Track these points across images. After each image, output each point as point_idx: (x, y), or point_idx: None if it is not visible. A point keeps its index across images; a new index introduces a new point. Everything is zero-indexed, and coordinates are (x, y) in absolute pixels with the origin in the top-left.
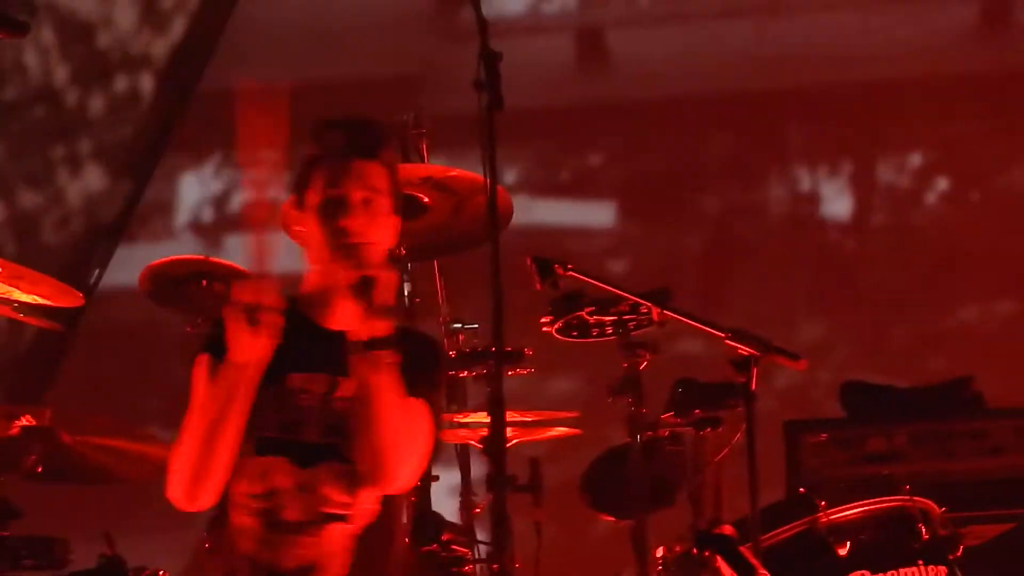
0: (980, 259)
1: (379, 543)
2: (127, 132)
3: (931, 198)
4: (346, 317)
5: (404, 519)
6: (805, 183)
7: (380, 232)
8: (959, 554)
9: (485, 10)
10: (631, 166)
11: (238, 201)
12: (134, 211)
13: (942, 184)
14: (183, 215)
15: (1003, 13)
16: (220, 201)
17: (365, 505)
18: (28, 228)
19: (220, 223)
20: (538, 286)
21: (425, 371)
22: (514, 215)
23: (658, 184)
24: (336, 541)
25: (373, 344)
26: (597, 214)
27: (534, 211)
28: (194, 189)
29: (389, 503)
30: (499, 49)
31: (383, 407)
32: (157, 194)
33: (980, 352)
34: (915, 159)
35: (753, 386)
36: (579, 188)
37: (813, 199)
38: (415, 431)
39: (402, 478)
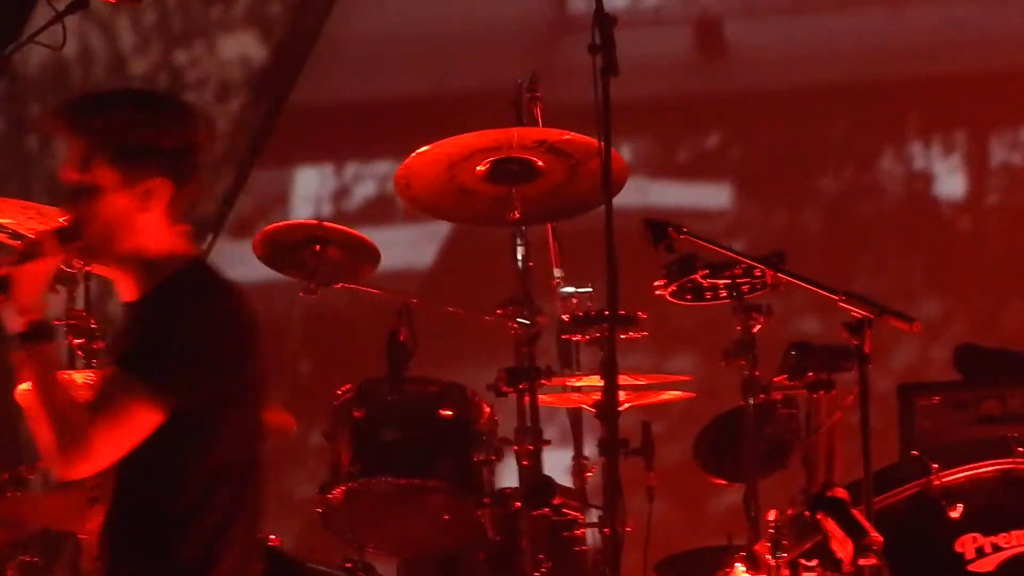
0: None
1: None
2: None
3: None
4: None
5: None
6: (920, 163)
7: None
8: None
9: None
10: (748, 150)
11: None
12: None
13: None
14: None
15: None
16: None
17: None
18: None
19: None
20: (653, 249)
21: (145, 344)
22: (632, 197)
23: (775, 166)
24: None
25: (24, 336)
26: (715, 196)
27: (651, 193)
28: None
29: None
30: (620, 40)
31: (37, 397)
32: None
33: None
34: None
35: (867, 348)
36: (696, 170)
37: (927, 178)
38: (83, 414)
39: (87, 458)
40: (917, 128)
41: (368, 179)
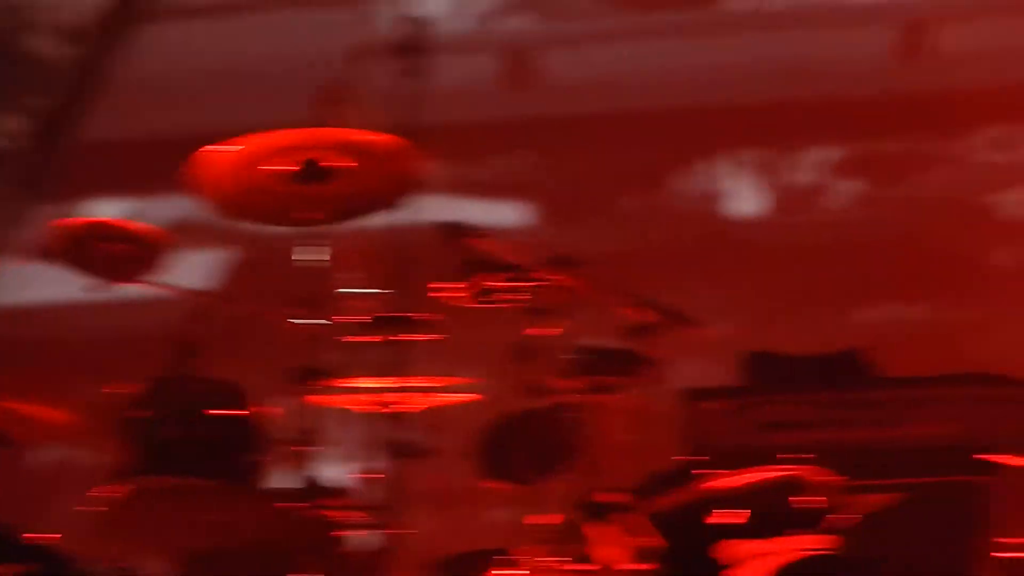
0: (880, 252)
1: None
2: None
3: (834, 194)
4: None
5: None
6: (711, 183)
7: None
8: (849, 523)
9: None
10: (550, 172)
11: None
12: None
13: (844, 184)
14: None
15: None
16: None
17: None
18: None
19: None
20: (445, 252)
21: None
22: (435, 214)
23: (577, 188)
24: None
25: None
26: (517, 215)
27: (454, 210)
28: None
29: None
30: (431, 68)
31: None
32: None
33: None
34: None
35: (652, 353)
36: (500, 191)
37: (716, 197)
38: None
39: None
40: (709, 151)
41: (161, 213)
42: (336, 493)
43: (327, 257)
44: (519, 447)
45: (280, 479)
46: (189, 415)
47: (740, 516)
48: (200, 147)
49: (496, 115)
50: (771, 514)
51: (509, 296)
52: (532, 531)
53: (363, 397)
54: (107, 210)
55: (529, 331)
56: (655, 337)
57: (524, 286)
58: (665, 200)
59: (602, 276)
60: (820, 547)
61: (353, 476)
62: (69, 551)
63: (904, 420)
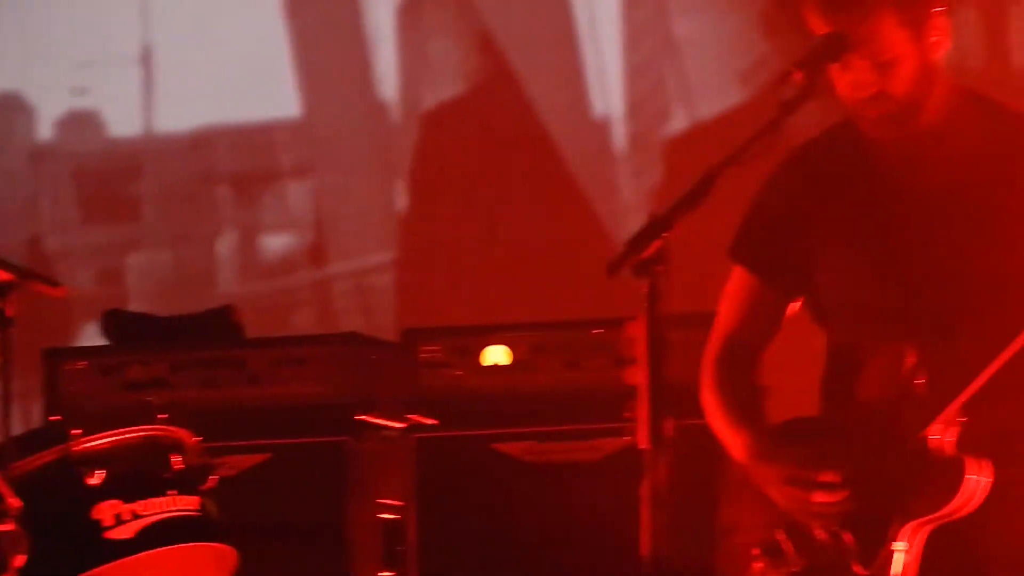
0: None
1: None
2: None
3: None
4: None
5: None
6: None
7: None
8: (212, 484)
9: None
10: None
11: None
12: None
13: None
14: None
15: None
16: None
17: None
18: None
19: None
20: None
21: None
22: None
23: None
24: None
25: None
26: None
27: None
28: None
29: None
30: None
31: None
32: None
33: None
34: None
35: (10, 312)
36: None
37: None
38: None
39: None
40: None
41: None
42: None
43: None
44: None
45: None
46: None
47: (103, 477)
48: None
49: None
50: (138, 475)
51: None
52: None
53: None
54: None
55: None
56: (11, 295)
57: None
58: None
59: None
60: (189, 508)
61: None
62: None
63: (274, 380)
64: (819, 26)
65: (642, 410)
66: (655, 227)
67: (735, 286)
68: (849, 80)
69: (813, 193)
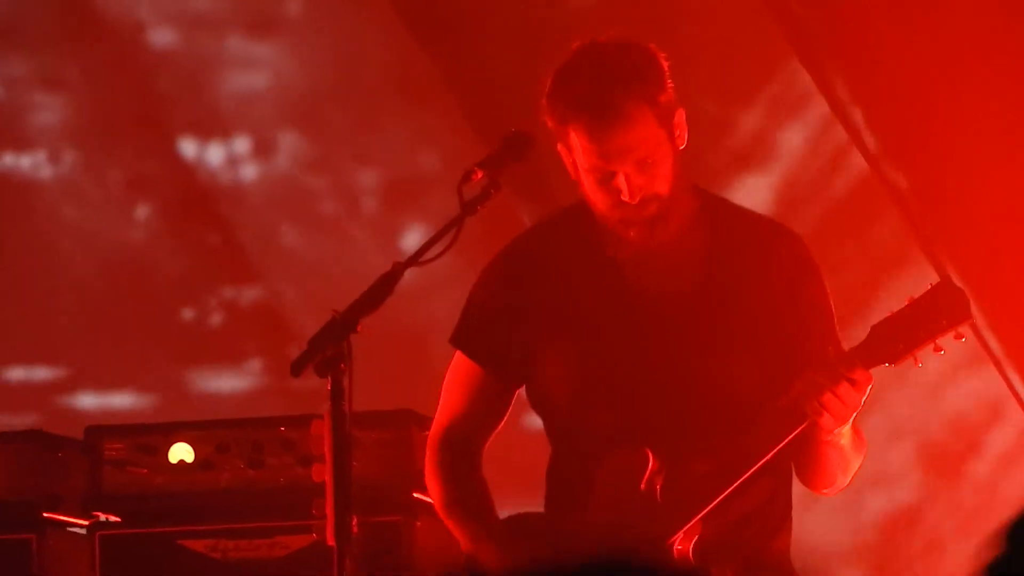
0: None
1: None
2: None
3: None
4: None
5: None
6: None
7: None
8: None
9: None
10: None
11: None
12: None
13: None
14: None
15: None
16: None
17: None
18: None
19: None
20: None
21: None
22: None
23: None
24: None
25: None
26: None
27: None
28: None
29: None
30: None
31: None
32: None
33: None
34: None
35: None
36: None
37: None
38: None
39: None
40: None
41: None
42: None
43: None
44: None
45: None
46: None
47: None
48: None
49: None
50: None
51: None
52: None
53: None
54: None
55: None
56: None
57: None
58: None
59: None
60: None
61: None
62: None
63: None
64: (585, 145)
65: (329, 507)
66: (337, 326)
67: (458, 372)
68: (613, 190)
69: (537, 284)
